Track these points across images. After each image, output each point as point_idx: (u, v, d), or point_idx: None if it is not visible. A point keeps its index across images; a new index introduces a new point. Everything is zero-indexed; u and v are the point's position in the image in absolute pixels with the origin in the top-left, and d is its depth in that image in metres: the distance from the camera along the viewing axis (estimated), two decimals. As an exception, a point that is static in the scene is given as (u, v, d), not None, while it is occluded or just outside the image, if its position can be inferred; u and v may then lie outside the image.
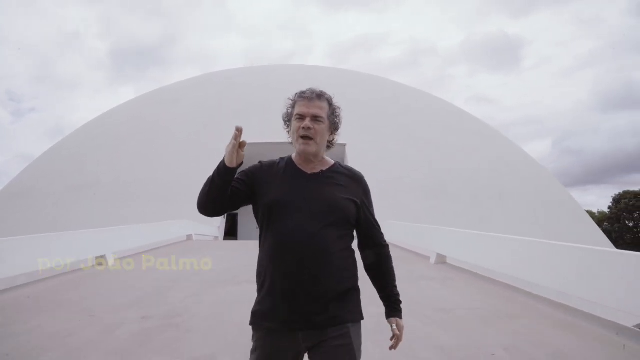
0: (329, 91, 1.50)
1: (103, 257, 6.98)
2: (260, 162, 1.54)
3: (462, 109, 30.93)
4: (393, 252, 1.57)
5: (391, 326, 1.46)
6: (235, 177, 1.42)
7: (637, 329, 3.19)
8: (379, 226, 1.56)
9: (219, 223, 18.50)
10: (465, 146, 22.78)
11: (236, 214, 25.54)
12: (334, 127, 1.51)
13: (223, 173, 1.36)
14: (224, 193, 1.40)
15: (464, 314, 3.93)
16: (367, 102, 23.86)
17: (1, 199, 24.63)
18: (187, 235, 12.74)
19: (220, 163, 1.37)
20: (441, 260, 7.12)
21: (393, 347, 1.45)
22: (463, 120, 26.91)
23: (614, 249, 2.98)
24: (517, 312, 4.02)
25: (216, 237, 16.93)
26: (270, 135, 13.85)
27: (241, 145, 1.34)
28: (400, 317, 1.49)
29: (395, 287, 1.52)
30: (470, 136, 24.23)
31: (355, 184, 1.50)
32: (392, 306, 1.49)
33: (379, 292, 1.52)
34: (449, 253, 7.06)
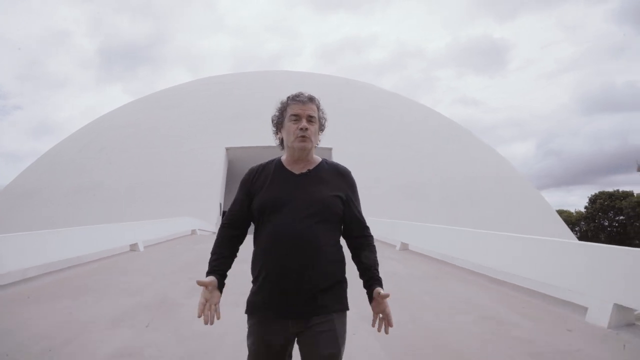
0: (318, 96, 1.67)
1: (135, 244, 8.75)
2: (250, 169, 1.65)
3: (441, 114, 33.06)
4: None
5: (379, 293, 1.50)
6: (238, 197, 1.63)
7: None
8: (364, 219, 1.65)
9: (215, 220, 20.19)
10: (441, 150, 24.83)
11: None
12: (321, 127, 1.64)
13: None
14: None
15: (405, 276, 5.83)
16: (352, 108, 25.72)
17: (3, 198, 25.89)
18: (192, 230, 14.52)
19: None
20: (404, 247, 9.02)
21: (386, 326, 1.51)
22: (441, 126, 28.97)
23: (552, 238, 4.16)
24: (442, 275, 5.92)
25: (213, 232, 18.69)
26: (262, 139, 15.53)
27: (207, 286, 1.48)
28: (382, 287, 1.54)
29: (377, 271, 1.59)
30: (447, 141, 26.27)
31: (341, 179, 1.60)
32: (373, 280, 1.57)
33: (362, 276, 1.60)
34: (410, 241, 8.96)
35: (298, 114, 1.54)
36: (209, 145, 23.28)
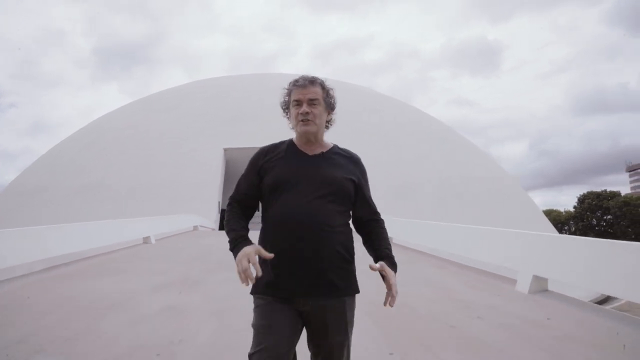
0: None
1: (148, 237, 9.78)
2: (260, 148, 1.64)
3: (432, 117, 34.34)
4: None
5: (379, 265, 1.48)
6: (248, 175, 1.61)
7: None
8: (374, 205, 1.66)
9: (215, 218, 21.20)
10: (433, 152, 26.02)
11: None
12: (330, 107, 1.63)
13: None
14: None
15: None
16: (348, 110, 26.84)
17: (6, 197, 26.70)
18: (194, 226, 15.56)
19: (233, 248, 1.49)
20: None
21: (389, 301, 1.48)
22: (432, 127, 30.20)
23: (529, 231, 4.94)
24: (416, 261, 7.01)
25: (213, 229, 19.72)
26: (259, 140, 16.36)
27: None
28: (388, 263, 1.51)
29: (389, 249, 1.57)
30: (437, 142, 27.48)
31: (353, 164, 1.62)
32: (382, 257, 1.54)
33: (375, 257, 1.57)
34: (395, 235, 10.06)
35: (299, 99, 1.56)
36: (207, 147, 24.29)
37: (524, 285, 4.53)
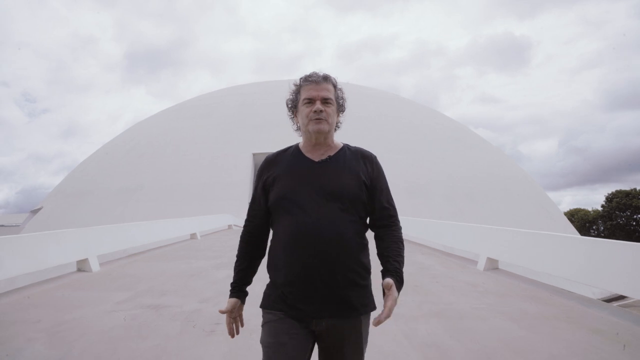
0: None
1: (195, 234, 11.85)
2: (266, 158, 1.55)
3: (448, 117, 35.65)
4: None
5: (384, 283, 1.33)
6: (256, 194, 1.54)
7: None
8: (391, 207, 1.50)
9: (245, 217, 23.17)
10: (445, 153, 27.44)
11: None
12: (341, 108, 1.52)
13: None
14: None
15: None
16: (368, 116, 28.59)
17: (56, 198, 29.70)
18: (229, 225, 17.68)
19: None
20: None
21: (379, 319, 1.25)
22: (446, 128, 31.57)
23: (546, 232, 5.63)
24: (410, 250, 8.71)
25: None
26: (285, 145, 18.28)
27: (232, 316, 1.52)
28: (395, 281, 1.35)
29: (398, 262, 1.41)
30: (451, 143, 28.86)
31: (366, 164, 1.48)
32: (386, 271, 1.39)
33: (383, 268, 1.42)
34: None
35: (312, 96, 1.44)
36: (238, 152, 26.49)
37: (481, 264, 6.23)
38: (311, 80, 1.47)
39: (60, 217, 25.78)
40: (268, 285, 1.45)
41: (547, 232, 5.45)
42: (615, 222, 63.49)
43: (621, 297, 11.61)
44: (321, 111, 1.43)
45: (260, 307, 1.44)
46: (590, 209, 72.98)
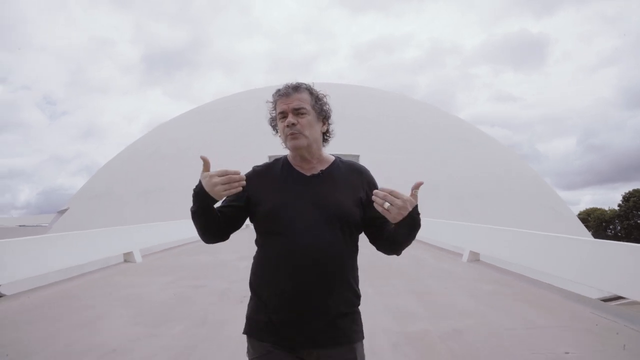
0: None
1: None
2: (253, 167, 1.43)
3: (458, 118, 36.33)
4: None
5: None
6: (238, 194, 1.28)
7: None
8: None
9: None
10: (454, 153, 28.21)
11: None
12: (323, 115, 1.39)
13: (199, 199, 1.29)
14: (211, 219, 1.32)
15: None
16: (376, 118, 29.56)
17: (80, 200, 31.41)
18: (246, 224, 18.95)
19: (196, 188, 1.30)
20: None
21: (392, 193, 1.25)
22: (455, 129, 32.27)
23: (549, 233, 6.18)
24: (410, 247, 9.74)
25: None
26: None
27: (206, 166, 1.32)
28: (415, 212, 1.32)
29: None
30: (458, 143, 29.59)
31: (358, 178, 1.40)
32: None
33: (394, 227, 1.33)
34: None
35: (283, 110, 1.33)
36: (255, 154, 27.49)
37: (465, 257, 7.25)
38: (281, 94, 1.36)
39: (87, 218, 27.33)
40: (251, 307, 1.32)
41: (525, 230, 6.43)
42: (632, 222, 62.76)
43: (620, 297, 12.33)
44: (294, 124, 1.30)
45: (244, 333, 1.32)
46: (607, 209, 72.05)
